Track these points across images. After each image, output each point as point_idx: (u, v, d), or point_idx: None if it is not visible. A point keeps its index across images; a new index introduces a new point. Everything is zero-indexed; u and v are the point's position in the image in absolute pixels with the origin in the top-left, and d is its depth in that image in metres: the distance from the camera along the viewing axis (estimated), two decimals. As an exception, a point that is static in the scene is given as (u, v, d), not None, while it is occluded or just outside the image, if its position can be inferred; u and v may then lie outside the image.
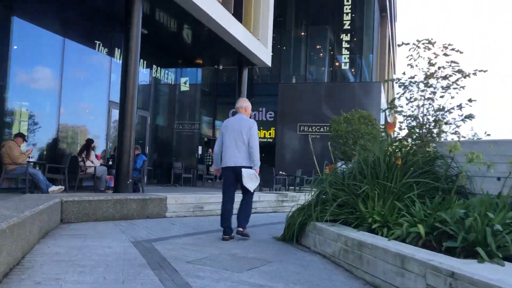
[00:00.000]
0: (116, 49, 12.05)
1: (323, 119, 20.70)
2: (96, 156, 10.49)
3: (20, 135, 8.31)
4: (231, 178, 5.34)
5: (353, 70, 24.29)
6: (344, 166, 5.28)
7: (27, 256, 3.62)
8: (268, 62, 15.55)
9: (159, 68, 14.63)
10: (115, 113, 10.98)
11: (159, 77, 14.82)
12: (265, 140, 22.13)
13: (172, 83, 15.88)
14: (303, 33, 24.85)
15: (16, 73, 9.31)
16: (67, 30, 10.41)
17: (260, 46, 14.62)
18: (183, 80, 16.57)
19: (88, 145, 10.04)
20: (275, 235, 5.53)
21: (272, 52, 16.20)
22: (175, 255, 4.04)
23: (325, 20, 24.28)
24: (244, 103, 5.58)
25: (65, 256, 3.69)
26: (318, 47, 24.88)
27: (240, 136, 5.25)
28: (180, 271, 3.45)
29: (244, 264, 3.88)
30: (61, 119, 10.25)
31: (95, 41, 11.36)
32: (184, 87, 16.66)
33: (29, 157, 8.27)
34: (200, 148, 19.27)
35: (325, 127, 20.39)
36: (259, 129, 22.81)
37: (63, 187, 8.38)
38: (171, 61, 15.44)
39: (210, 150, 20.83)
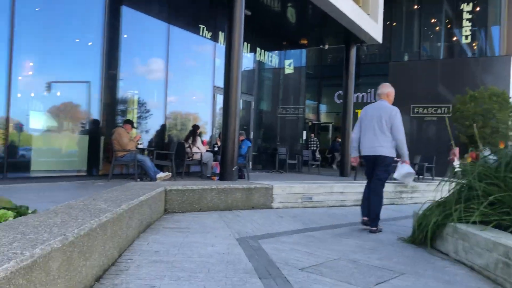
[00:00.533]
0: (220, 32, 11.82)
1: (440, 100, 18.73)
2: (202, 142, 10.39)
3: (128, 121, 8.39)
4: (369, 167, 5.08)
5: (474, 44, 21.64)
6: (492, 156, 4.21)
7: (125, 254, 3.29)
8: (379, 39, 14.26)
9: (263, 51, 14.20)
10: (220, 99, 10.77)
11: (263, 61, 14.40)
12: (375, 123, 20.68)
13: (276, 66, 15.38)
14: (415, 6, 22.70)
15: (126, 61, 9.46)
16: (172, 16, 10.36)
17: (370, 21, 13.41)
18: (287, 62, 15.98)
19: (194, 131, 9.95)
20: (400, 234, 4.69)
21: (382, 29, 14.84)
22: (285, 258, 3.45)
23: (441, -9, 21.87)
24: (385, 89, 5.17)
25: (164, 256, 3.29)
26: (433, 20, 22.55)
27: (380, 124, 4.93)
28: (292, 283, 2.84)
29: (369, 275, 3.15)
30: (168, 106, 10.30)
31: (199, 25, 11.21)
32: (289, 70, 16.07)
33: (138, 143, 8.33)
34: (304, 133, 18.62)
35: (442, 108, 18.47)
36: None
37: (170, 173, 8.32)
38: (275, 43, 14.91)
39: (312, 134, 19.97)
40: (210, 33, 11.56)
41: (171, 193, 5.23)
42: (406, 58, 22.36)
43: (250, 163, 12.14)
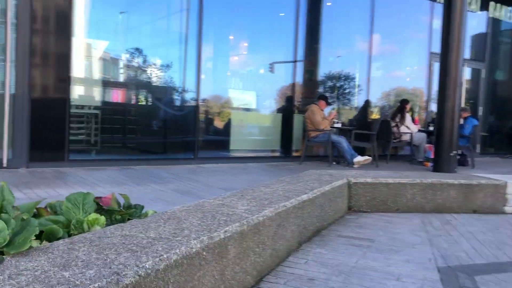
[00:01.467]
0: (440, -13, 9.78)
1: None
2: (414, 120, 8.80)
3: (323, 97, 7.51)
4: None
5: None
6: None
7: (267, 278, 2.37)
8: None
9: (498, 5, 11.33)
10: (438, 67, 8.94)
11: (499, 18, 11.52)
12: None
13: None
14: None
15: (328, 31, 8.57)
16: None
17: None
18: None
19: (403, 107, 8.47)
20: None
21: None
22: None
23: None
24: None
25: (319, 290, 2.25)
26: None
27: None
28: None
29: None
30: (372, 78, 9.01)
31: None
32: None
33: (333, 122, 7.38)
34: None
35: None
36: None
37: (371, 158, 7.12)
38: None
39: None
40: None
41: (356, 186, 4.11)
42: None
43: (478, 146, 9.91)
